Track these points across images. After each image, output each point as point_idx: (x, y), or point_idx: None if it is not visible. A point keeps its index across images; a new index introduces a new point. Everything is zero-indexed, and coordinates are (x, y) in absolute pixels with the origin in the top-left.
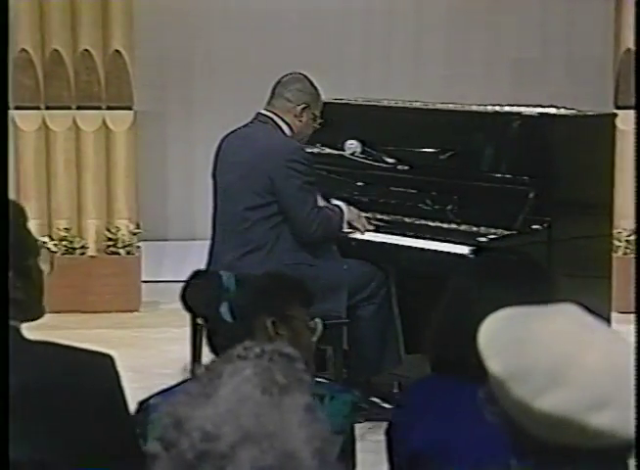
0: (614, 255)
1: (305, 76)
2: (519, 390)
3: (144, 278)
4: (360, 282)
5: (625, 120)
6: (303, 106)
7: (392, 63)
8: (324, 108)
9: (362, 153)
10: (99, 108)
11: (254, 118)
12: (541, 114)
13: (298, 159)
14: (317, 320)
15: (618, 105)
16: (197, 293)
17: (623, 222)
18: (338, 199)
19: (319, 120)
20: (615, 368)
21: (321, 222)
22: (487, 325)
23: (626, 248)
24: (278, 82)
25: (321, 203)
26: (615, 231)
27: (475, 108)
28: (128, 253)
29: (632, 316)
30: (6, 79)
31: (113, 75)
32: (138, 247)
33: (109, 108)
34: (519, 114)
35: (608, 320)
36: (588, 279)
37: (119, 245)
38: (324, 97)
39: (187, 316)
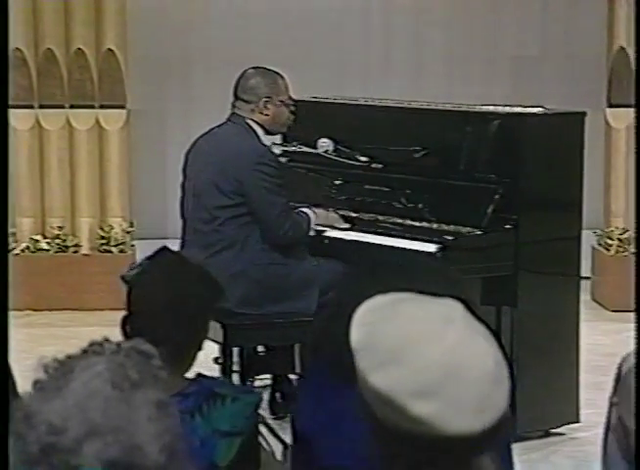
0: (607, 253)
1: (259, 68)
2: (363, 361)
3: None
4: (332, 281)
5: (618, 119)
6: (265, 100)
7: (392, 61)
8: (300, 107)
9: (334, 151)
10: (92, 107)
11: (228, 119)
12: (510, 113)
13: (267, 162)
14: None
15: (612, 103)
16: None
17: (616, 220)
18: (310, 201)
19: (291, 102)
20: (453, 364)
21: (292, 225)
22: (369, 302)
23: (619, 246)
24: (236, 85)
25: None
26: (608, 229)
27: (448, 106)
28: (121, 251)
29: (626, 315)
30: (6, 79)
31: (106, 74)
32: (132, 245)
33: (102, 107)
34: (489, 113)
35: (577, 317)
36: (556, 276)
37: (112, 243)
38: (317, 96)
39: None
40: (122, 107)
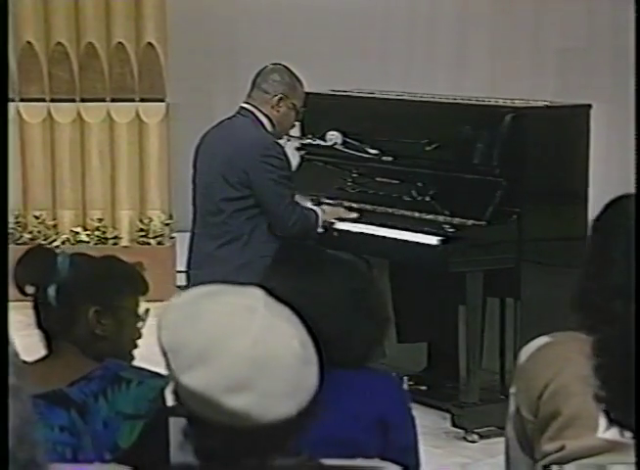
0: None
1: (284, 67)
2: (173, 362)
3: (181, 268)
4: None
5: None
6: (280, 96)
7: (436, 55)
8: (316, 99)
9: (343, 144)
10: (132, 100)
11: (237, 112)
12: (515, 106)
13: (274, 153)
14: (148, 308)
15: None
16: (28, 270)
17: None
18: (326, 194)
19: (301, 110)
20: (260, 356)
21: (299, 217)
22: (174, 299)
23: None
24: (257, 75)
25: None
26: None
27: (459, 100)
28: (159, 243)
29: None
30: (6, 78)
31: (145, 68)
32: (172, 237)
33: (142, 100)
34: (494, 106)
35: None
36: (560, 268)
37: (151, 235)
38: (338, 89)
39: None
40: (162, 100)
